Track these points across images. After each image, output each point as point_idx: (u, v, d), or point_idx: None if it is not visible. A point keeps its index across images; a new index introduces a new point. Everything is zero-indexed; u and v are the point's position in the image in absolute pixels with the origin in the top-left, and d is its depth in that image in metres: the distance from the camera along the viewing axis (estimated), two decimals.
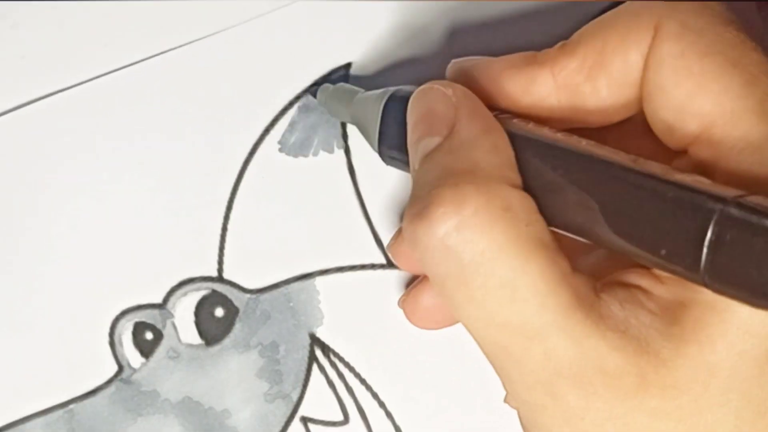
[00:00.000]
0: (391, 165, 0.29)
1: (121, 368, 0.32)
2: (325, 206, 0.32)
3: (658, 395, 0.23)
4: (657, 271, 0.24)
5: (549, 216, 0.24)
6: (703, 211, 0.20)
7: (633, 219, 0.22)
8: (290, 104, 0.32)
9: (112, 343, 0.32)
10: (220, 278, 0.32)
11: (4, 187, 0.32)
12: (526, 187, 0.24)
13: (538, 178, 0.24)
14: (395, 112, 0.28)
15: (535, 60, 0.26)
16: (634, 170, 0.22)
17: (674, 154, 0.25)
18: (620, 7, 0.26)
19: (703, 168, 0.23)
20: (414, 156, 0.26)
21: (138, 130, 0.32)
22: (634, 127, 0.26)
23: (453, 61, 0.29)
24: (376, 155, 0.30)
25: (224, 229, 0.32)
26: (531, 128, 0.25)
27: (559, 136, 0.25)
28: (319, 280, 0.32)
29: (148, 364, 0.32)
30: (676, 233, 0.21)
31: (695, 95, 0.24)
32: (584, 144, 0.24)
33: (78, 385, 0.32)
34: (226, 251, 0.32)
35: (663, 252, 0.21)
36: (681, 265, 0.21)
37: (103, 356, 0.32)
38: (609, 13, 0.26)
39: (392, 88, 0.29)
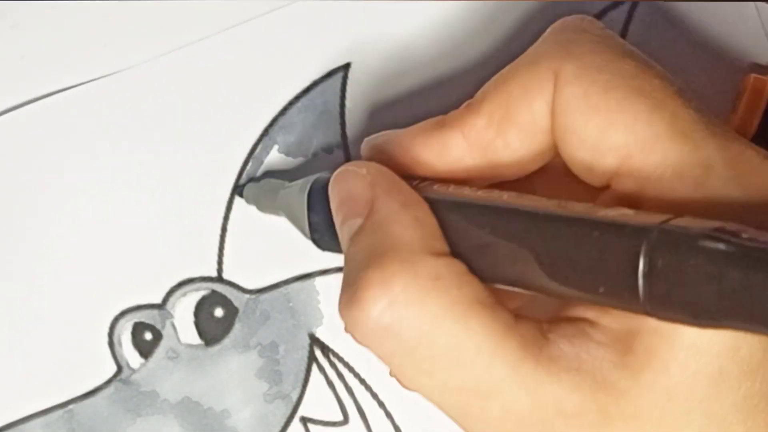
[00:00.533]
0: (328, 251, 0.29)
1: (120, 368, 0.32)
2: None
3: (622, 427, 0.23)
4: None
5: (485, 275, 0.24)
6: (632, 243, 0.20)
7: (567, 263, 0.22)
8: (289, 104, 0.32)
9: (111, 344, 0.32)
10: (219, 278, 0.32)
11: (4, 186, 0.32)
12: (456, 251, 0.24)
13: (466, 240, 0.24)
14: (320, 199, 0.28)
15: (444, 124, 0.27)
16: (559, 215, 0.22)
17: (599, 190, 0.25)
18: (519, 58, 0.26)
19: (629, 199, 0.24)
20: (342, 240, 0.26)
21: (138, 131, 0.32)
22: (555, 171, 0.26)
23: (365, 139, 0.29)
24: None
25: (224, 229, 0.32)
26: (452, 191, 0.25)
27: (481, 194, 0.25)
28: (318, 280, 0.32)
29: (147, 365, 0.32)
30: (610, 270, 0.21)
31: (606, 131, 0.24)
32: (506, 197, 0.24)
33: (77, 385, 0.32)
34: (225, 251, 0.32)
35: (601, 290, 0.21)
36: (621, 299, 0.21)
37: (102, 356, 0.32)
38: (508, 66, 0.26)
39: (313, 177, 0.29)
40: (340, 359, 0.33)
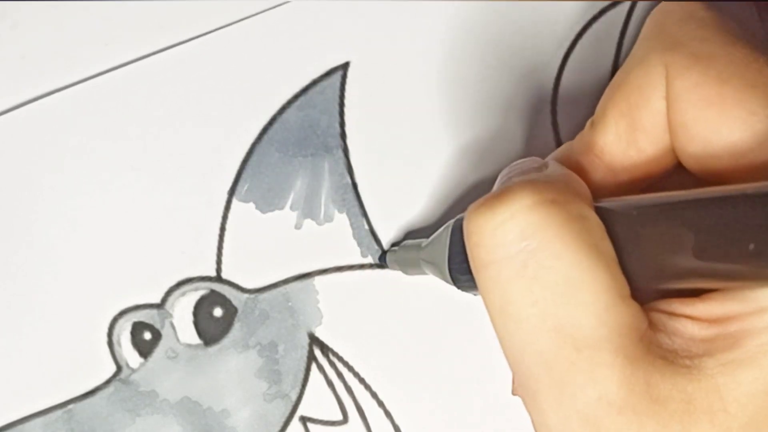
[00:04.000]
0: (466, 290, 0.28)
1: (119, 368, 0.32)
2: (323, 205, 0.32)
3: (706, 421, 0.22)
4: (706, 298, 0.23)
5: (634, 275, 0.23)
6: None
7: (720, 238, 0.21)
8: (288, 103, 0.32)
9: (110, 343, 0.32)
10: (218, 278, 0.32)
11: (4, 186, 0.32)
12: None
13: (625, 245, 0.23)
14: (462, 238, 0.27)
15: (573, 152, 0.26)
16: (707, 195, 0.22)
17: None
18: (627, 60, 0.25)
19: None
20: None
21: (137, 130, 0.32)
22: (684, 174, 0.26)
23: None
24: (374, 155, 0.31)
25: (222, 228, 0.32)
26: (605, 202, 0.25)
27: (635, 197, 0.24)
28: (317, 280, 0.32)
29: (146, 364, 0.32)
30: (761, 227, 0.20)
31: (720, 126, 0.23)
32: (657, 194, 0.24)
33: (77, 385, 0.32)
34: (224, 251, 0.32)
35: (751, 247, 0.20)
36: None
37: (101, 356, 0.32)
38: (620, 71, 0.25)
39: (454, 219, 0.28)
40: (340, 359, 0.33)
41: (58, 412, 0.32)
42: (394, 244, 0.32)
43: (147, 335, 0.32)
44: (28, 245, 0.32)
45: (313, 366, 0.32)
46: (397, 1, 0.32)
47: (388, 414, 0.33)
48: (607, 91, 0.26)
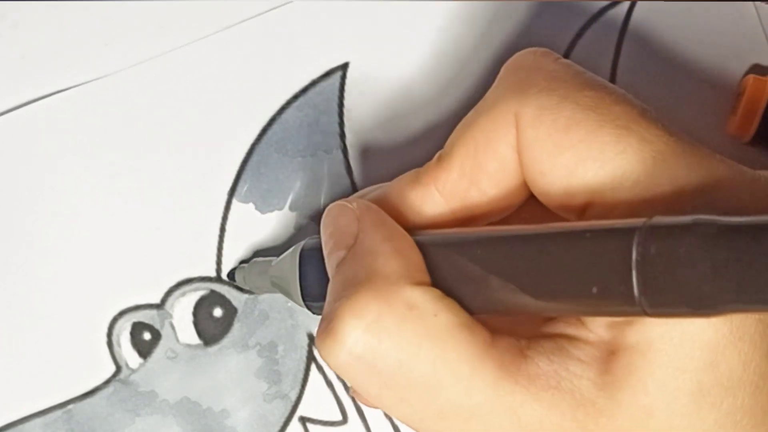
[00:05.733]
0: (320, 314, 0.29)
1: (119, 368, 0.32)
2: (323, 206, 0.32)
3: None
4: (582, 317, 0.23)
5: (470, 306, 0.24)
6: (623, 237, 0.20)
7: (555, 275, 0.22)
8: (287, 104, 0.32)
9: (110, 344, 0.32)
10: (218, 278, 0.32)
11: (4, 186, 0.32)
12: (440, 285, 0.24)
13: (450, 273, 0.24)
14: (310, 262, 0.28)
15: (419, 181, 0.27)
16: (544, 232, 0.22)
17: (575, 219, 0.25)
18: (479, 104, 0.26)
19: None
20: (330, 272, 0.26)
21: (137, 131, 0.32)
22: (531, 207, 0.26)
23: (357, 194, 0.29)
24: (373, 154, 0.31)
25: (222, 229, 0.32)
26: (436, 232, 0.26)
27: (465, 230, 0.25)
28: None
29: (146, 365, 0.32)
30: (603, 268, 0.21)
31: (575, 167, 0.24)
32: (489, 229, 0.24)
33: (76, 385, 0.32)
34: (224, 251, 0.32)
35: (594, 290, 0.21)
36: (615, 297, 0.21)
37: (101, 356, 0.32)
38: (471, 112, 0.26)
39: (300, 243, 0.29)
40: None
41: (58, 412, 0.32)
42: (242, 261, 0.32)
43: (147, 335, 0.32)
44: (28, 245, 0.32)
45: (313, 366, 0.33)
46: (396, 1, 0.32)
47: (387, 414, 0.33)
48: (458, 128, 0.27)
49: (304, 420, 0.33)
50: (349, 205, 0.27)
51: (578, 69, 0.26)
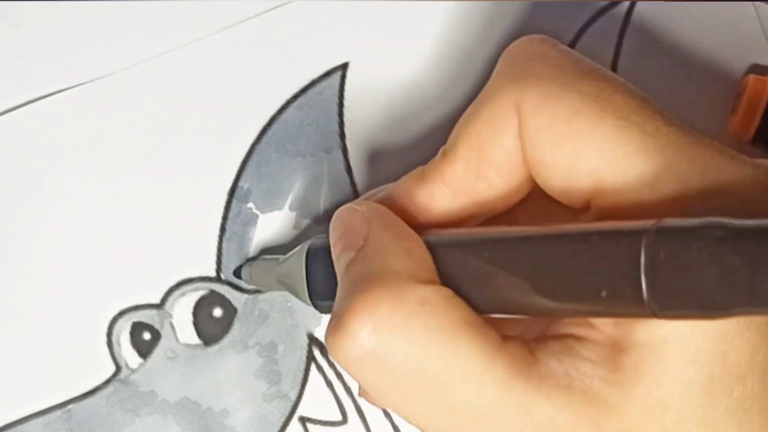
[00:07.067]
0: (329, 313, 0.29)
1: (119, 368, 0.32)
2: (322, 206, 0.32)
3: None
4: (589, 318, 0.23)
5: (480, 306, 0.24)
6: (630, 242, 0.20)
7: (564, 278, 0.22)
8: (287, 104, 0.32)
9: (110, 344, 0.32)
10: (218, 278, 0.32)
11: (4, 186, 0.32)
12: (449, 285, 0.24)
13: (460, 273, 0.24)
14: (317, 261, 0.28)
15: (425, 177, 0.27)
16: (552, 234, 0.23)
17: (579, 211, 0.25)
18: (480, 95, 0.26)
19: (609, 217, 0.23)
20: (338, 274, 0.26)
21: (137, 131, 0.32)
22: (535, 198, 0.26)
23: (365, 196, 0.29)
24: (373, 154, 0.31)
25: (222, 229, 0.32)
26: (445, 232, 0.26)
27: (471, 230, 0.26)
28: None
29: (146, 365, 0.32)
30: (611, 272, 0.21)
31: (576, 157, 0.24)
32: (497, 229, 0.24)
33: (76, 385, 0.32)
34: (224, 251, 0.32)
35: (603, 294, 0.21)
36: (624, 301, 0.21)
37: (101, 356, 0.32)
38: (472, 105, 0.26)
39: (307, 243, 0.29)
40: None
41: (58, 412, 0.32)
42: (248, 259, 0.32)
43: (146, 335, 0.32)
44: (28, 245, 0.32)
45: (313, 366, 0.32)
46: (396, 1, 0.32)
47: (387, 414, 0.33)
48: (460, 121, 0.26)
49: (303, 420, 0.33)
50: (359, 208, 0.27)
51: (578, 56, 0.26)
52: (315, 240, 0.29)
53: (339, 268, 0.26)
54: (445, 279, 0.24)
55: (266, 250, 0.32)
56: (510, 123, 0.25)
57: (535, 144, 0.24)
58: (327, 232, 0.27)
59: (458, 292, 0.24)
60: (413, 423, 0.25)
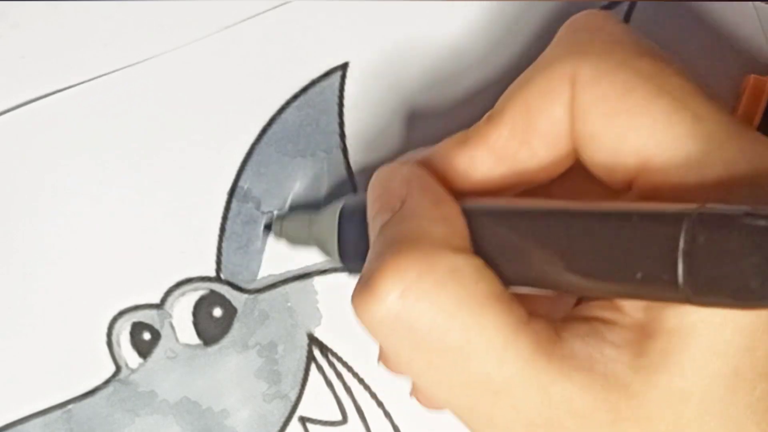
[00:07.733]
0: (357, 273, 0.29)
1: (118, 368, 0.32)
2: (323, 206, 0.32)
3: (633, 428, 0.22)
4: (617, 301, 0.23)
5: (510, 278, 0.24)
6: (670, 225, 0.20)
7: (601, 256, 0.22)
8: (287, 104, 0.32)
9: (109, 344, 0.32)
10: (218, 278, 0.32)
11: (4, 186, 0.32)
12: (484, 255, 0.24)
13: (495, 244, 0.24)
14: (350, 221, 0.28)
15: (468, 140, 0.27)
16: (592, 211, 0.22)
17: (619, 192, 0.25)
18: (534, 63, 0.26)
19: (651, 198, 0.23)
20: (372, 234, 0.26)
21: (136, 131, 0.32)
22: (575, 174, 0.26)
23: (408, 155, 0.29)
24: (373, 154, 0.31)
25: (222, 229, 0.32)
26: (483, 201, 0.26)
27: (510, 201, 0.25)
28: (317, 280, 0.32)
29: (145, 365, 0.32)
30: (648, 254, 0.21)
31: (626, 134, 0.24)
32: (536, 202, 0.24)
33: (76, 385, 0.32)
34: (224, 251, 0.32)
35: (639, 275, 0.21)
36: (659, 284, 0.20)
37: (100, 356, 0.32)
38: (525, 72, 0.26)
39: (340, 201, 0.29)
40: (339, 359, 0.33)
41: (58, 413, 0.32)
42: (279, 214, 0.32)
43: (146, 335, 0.32)
44: (28, 245, 0.32)
45: (313, 366, 0.33)
46: (396, 1, 0.32)
47: (387, 414, 0.33)
48: (509, 88, 0.26)
49: (303, 420, 0.33)
50: (400, 168, 0.26)
51: (638, 35, 0.25)
52: (348, 199, 0.29)
53: (373, 228, 0.26)
54: (478, 248, 0.24)
55: (296, 206, 0.32)
56: (562, 93, 0.25)
57: (587, 116, 0.24)
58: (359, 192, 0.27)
59: (490, 261, 0.24)
60: (429, 392, 0.24)
